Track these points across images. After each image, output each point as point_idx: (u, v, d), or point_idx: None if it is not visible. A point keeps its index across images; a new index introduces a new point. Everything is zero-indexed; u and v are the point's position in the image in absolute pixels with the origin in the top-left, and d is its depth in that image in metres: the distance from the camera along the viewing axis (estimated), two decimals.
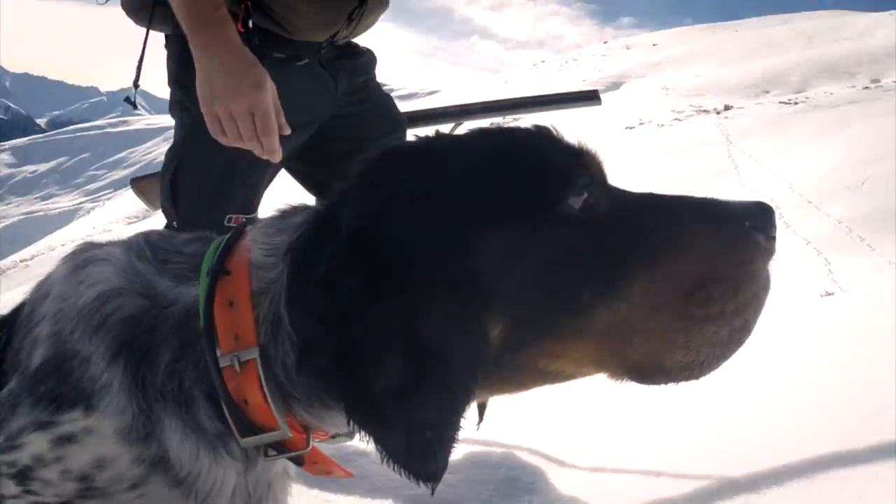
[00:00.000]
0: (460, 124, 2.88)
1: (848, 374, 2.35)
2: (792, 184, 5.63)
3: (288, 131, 1.78)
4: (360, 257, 0.86)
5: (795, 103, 9.79)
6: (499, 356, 0.93)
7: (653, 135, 9.76)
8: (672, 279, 0.92)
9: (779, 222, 1.13)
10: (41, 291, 1.10)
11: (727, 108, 10.63)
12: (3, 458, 0.99)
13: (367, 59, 2.42)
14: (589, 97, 3.05)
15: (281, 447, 1.01)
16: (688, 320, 0.91)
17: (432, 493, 0.93)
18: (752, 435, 2.12)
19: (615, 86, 16.10)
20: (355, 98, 2.36)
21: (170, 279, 1.05)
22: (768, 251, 0.94)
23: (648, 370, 0.95)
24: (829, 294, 3.48)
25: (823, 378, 2.36)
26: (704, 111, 10.66)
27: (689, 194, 1.06)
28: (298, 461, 1.06)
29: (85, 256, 1.08)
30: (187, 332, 0.98)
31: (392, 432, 0.86)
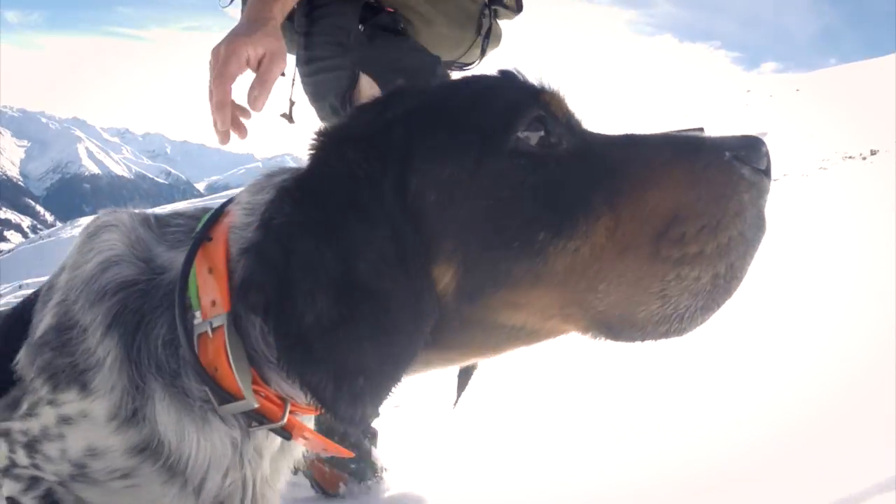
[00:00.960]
0: None
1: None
2: None
3: (249, 115, 1.66)
4: (300, 198, 0.84)
5: None
6: (456, 308, 0.85)
7: (798, 186, 9.41)
8: (640, 216, 0.80)
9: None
10: (61, 265, 1.09)
11: (873, 153, 10.04)
12: (21, 426, 1.00)
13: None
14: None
15: (262, 418, 0.94)
16: (661, 264, 0.79)
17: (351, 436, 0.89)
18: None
19: (760, 136, 15.49)
20: None
21: (167, 246, 1.04)
22: (755, 185, 0.81)
23: (618, 323, 0.82)
24: None
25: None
26: (850, 157, 10.23)
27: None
28: (285, 434, 0.99)
29: (97, 224, 1.07)
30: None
31: (318, 371, 0.78)
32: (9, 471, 1.03)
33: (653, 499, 2.06)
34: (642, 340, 0.83)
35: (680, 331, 0.81)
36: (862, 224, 5.93)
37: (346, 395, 0.79)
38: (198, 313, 0.92)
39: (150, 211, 1.13)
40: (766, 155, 0.85)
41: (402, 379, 0.84)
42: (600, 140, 0.91)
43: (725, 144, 0.83)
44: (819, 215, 7.03)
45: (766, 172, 0.84)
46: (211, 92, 1.60)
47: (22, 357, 1.02)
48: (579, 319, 0.84)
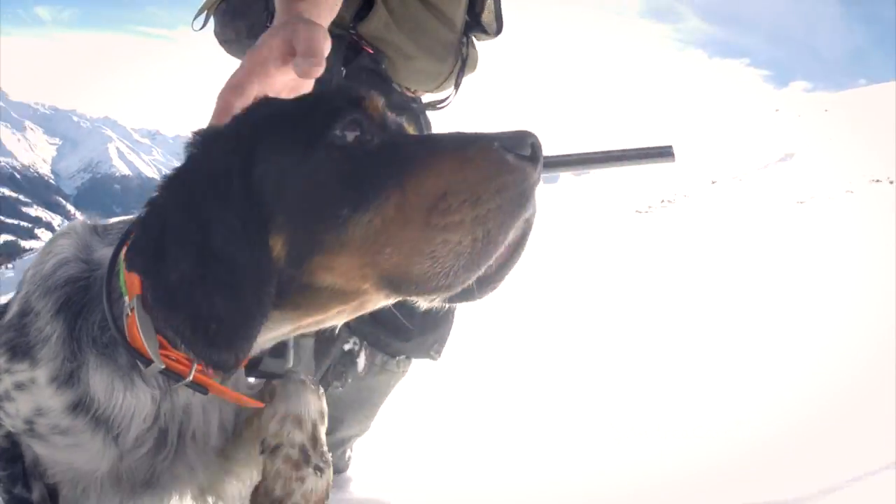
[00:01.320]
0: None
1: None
2: None
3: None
4: (177, 184, 1.10)
5: None
6: (287, 273, 1.06)
7: (824, 209, 9.53)
8: (420, 194, 1.00)
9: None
10: (31, 264, 1.35)
11: None
12: None
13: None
14: (662, 153, 2.64)
15: (177, 377, 1.18)
16: (431, 230, 0.98)
17: (187, 368, 1.14)
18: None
19: (787, 157, 15.80)
20: None
21: (105, 245, 1.29)
22: (518, 168, 0.99)
23: (399, 280, 1.01)
24: None
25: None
26: (877, 181, 10.10)
27: None
28: (201, 389, 1.22)
29: (58, 232, 1.35)
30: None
31: (178, 316, 1.03)
32: None
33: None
34: (418, 295, 1.04)
35: (448, 287, 1.00)
36: (886, 249, 6.02)
37: (202, 337, 1.03)
38: (125, 298, 1.17)
39: (101, 221, 1.41)
40: (532, 145, 1.02)
41: (257, 331, 1.05)
42: (405, 138, 1.14)
43: (496, 137, 1.02)
44: (843, 240, 7.10)
45: (531, 159, 1.02)
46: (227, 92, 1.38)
47: None
48: (371, 278, 1.04)
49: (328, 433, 1.73)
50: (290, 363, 1.43)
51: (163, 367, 1.16)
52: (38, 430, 1.27)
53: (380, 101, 1.15)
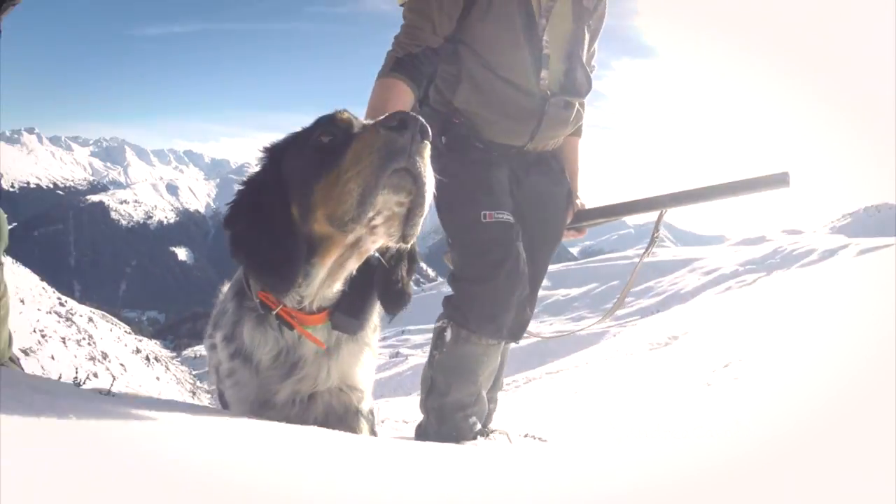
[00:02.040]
0: (665, 211, 3.13)
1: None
2: None
3: None
4: (245, 186, 1.80)
5: None
6: (305, 228, 1.66)
7: None
8: (347, 165, 1.55)
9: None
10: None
11: None
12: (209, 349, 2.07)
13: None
14: (778, 181, 2.90)
15: (280, 318, 1.79)
16: (341, 185, 1.54)
17: (275, 307, 1.75)
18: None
19: None
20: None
21: None
22: (385, 136, 1.51)
23: (334, 217, 1.57)
24: None
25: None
26: None
27: None
28: (287, 324, 1.79)
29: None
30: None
31: (242, 254, 1.70)
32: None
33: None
34: (344, 227, 1.56)
35: (356, 218, 1.52)
36: None
37: (257, 267, 1.71)
38: None
39: None
40: (400, 119, 1.51)
41: (295, 265, 1.65)
42: (354, 135, 1.62)
43: (380, 121, 1.54)
44: None
45: (397, 128, 1.50)
46: None
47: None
48: (326, 220, 1.60)
49: (443, 395, 2.82)
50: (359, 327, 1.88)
51: (256, 301, 1.77)
52: (222, 375, 1.91)
53: (345, 115, 1.72)
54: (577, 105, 2.99)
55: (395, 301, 1.86)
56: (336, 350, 1.86)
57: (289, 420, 1.78)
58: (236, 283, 1.93)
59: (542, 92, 2.86)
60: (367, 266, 1.81)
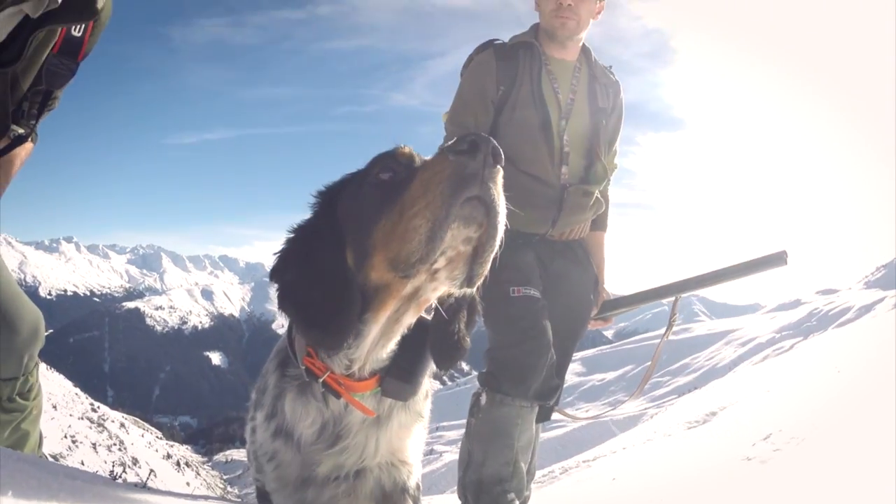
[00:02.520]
0: (679, 298, 3.30)
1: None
2: None
3: None
4: (296, 231, 1.65)
5: None
6: (360, 277, 1.50)
7: None
8: (404, 201, 1.41)
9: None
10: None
11: None
12: (252, 425, 1.86)
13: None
14: (776, 261, 3.05)
15: (321, 384, 1.62)
16: (406, 223, 1.37)
17: (322, 374, 1.60)
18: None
19: None
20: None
21: None
22: (455, 161, 1.35)
23: (395, 260, 1.40)
24: None
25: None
26: None
27: None
28: (335, 393, 1.62)
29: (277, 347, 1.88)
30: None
31: (291, 306, 1.55)
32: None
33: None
34: (407, 271, 1.39)
35: (423, 259, 1.35)
36: None
37: (305, 321, 1.54)
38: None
39: None
40: (470, 142, 1.34)
41: (348, 319, 1.49)
42: (416, 170, 1.47)
43: (448, 147, 1.37)
44: None
45: (468, 152, 1.34)
46: None
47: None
48: (386, 266, 1.44)
49: (481, 466, 2.76)
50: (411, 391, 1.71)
51: (303, 368, 1.63)
52: (260, 459, 1.78)
53: (406, 149, 1.57)
54: (595, 193, 3.20)
55: (450, 354, 1.65)
56: (387, 420, 1.70)
57: (337, 500, 1.68)
58: (279, 353, 1.78)
59: (563, 183, 3.10)
60: (420, 321, 1.63)
